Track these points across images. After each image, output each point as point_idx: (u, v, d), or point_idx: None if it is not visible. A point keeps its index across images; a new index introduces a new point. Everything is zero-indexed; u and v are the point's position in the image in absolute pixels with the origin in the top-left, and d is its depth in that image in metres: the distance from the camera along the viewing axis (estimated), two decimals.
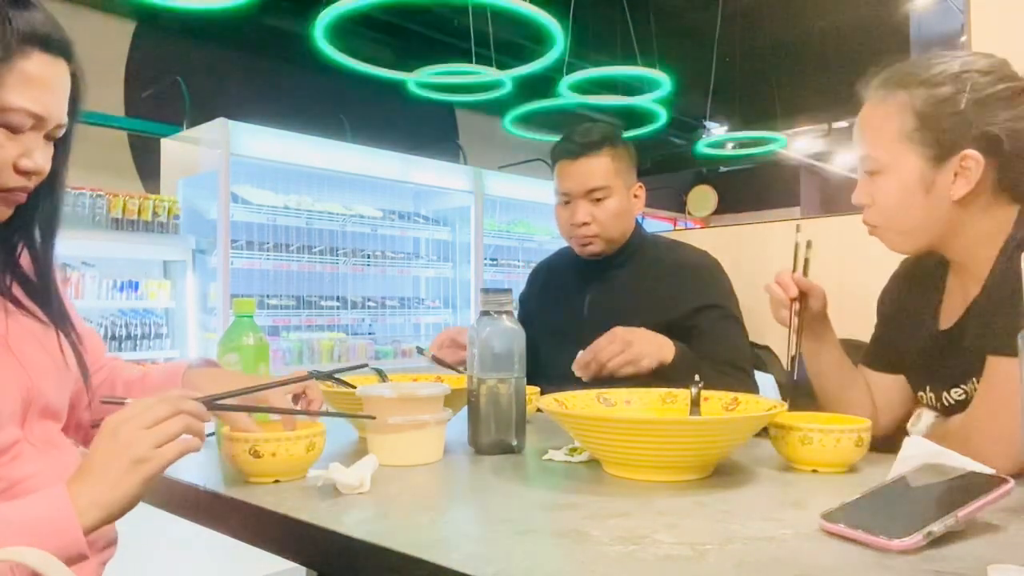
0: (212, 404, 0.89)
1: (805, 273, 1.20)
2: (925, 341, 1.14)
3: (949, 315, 1.12)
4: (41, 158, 0.89)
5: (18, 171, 0.87)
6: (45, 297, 0.98)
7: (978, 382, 1.00)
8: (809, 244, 1.20)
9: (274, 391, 1.03)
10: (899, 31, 6.25)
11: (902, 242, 1.10)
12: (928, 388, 1.12)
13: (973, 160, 0.99)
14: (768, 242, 2.01)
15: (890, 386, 1.21)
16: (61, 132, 0.92)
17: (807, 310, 1.20)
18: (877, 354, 1.25)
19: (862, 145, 1.09)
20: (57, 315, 0.98)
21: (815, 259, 1.21)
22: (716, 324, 1.59)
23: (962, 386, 1.05)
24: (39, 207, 0.96)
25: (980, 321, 1.02)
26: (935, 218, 1.04)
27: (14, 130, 0.86)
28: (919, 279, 1.20)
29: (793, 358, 1.15)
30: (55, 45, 0.88)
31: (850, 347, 1.30)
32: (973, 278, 1.06)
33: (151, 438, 0.79)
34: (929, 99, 1.01)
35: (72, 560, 0.75)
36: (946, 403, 1.07)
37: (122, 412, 0.81)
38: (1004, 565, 0.58)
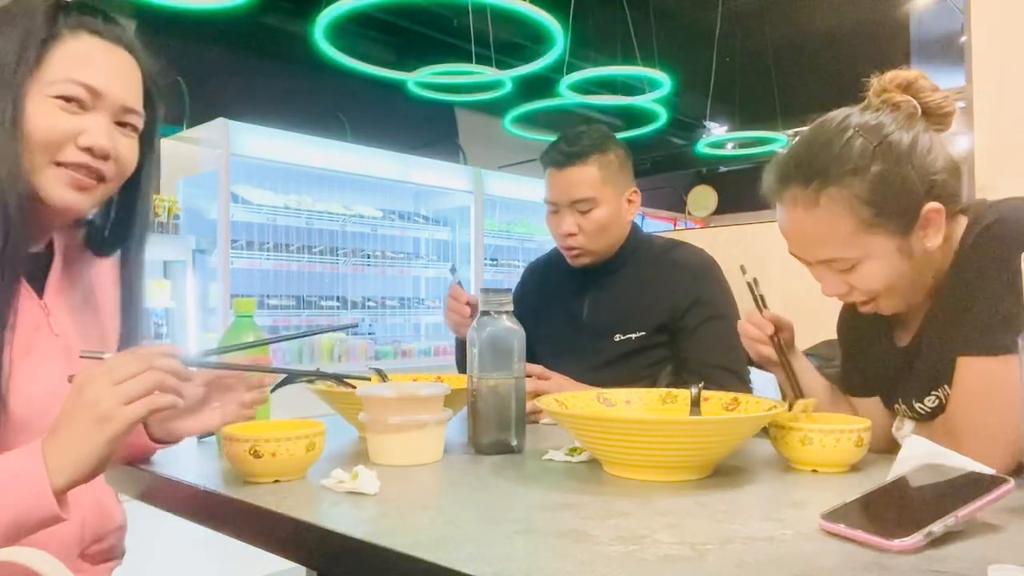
0: (193, 362, 0.86)
1: (765, 308, 1.22)
2: (887, 360, 1.15)
3: (905, 331, 1.13)
4: (106, 139, 0.90)
5: (80, 148, 0.89)
6: (129, 308, 1.02)
7: (949, 386, 1.01)
8: (756, 281, 1.22)
9: None
10: (899, 31, 6.26)
11: (899, 304, 1.08)
12: (900, 401, 1.13)
13: (934, 211, 0.99)
14: (768, 242, 2.00)
15: (868, 408, 1.21)
16: (135, 120, 0.95)
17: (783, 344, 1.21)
18: (847, 382, 1.26)
19: (816, 251, 1.05)
20: (133, 329, 1.02)
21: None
22: (704, 324, 1.59)
23: (933, 393, 1.06)
24: (125, 209, 1.01)
25: (942, 328, 1.03)
26: (921, 270, 1.04)
27: (71, 102, 0.88)
28: None
29: (796, 392, 1.16)
30: (109, 33, 0.95)
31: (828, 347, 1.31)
32: (927, 293, 1.07)
33: (117, 395, 0.76)
34: (870, 184, 0.98)
35: (46, 522, 0.74)
36: (921, 412, 1.09)
37: (92, 368, 0.78)
38: (1004, 565, 0.58)
